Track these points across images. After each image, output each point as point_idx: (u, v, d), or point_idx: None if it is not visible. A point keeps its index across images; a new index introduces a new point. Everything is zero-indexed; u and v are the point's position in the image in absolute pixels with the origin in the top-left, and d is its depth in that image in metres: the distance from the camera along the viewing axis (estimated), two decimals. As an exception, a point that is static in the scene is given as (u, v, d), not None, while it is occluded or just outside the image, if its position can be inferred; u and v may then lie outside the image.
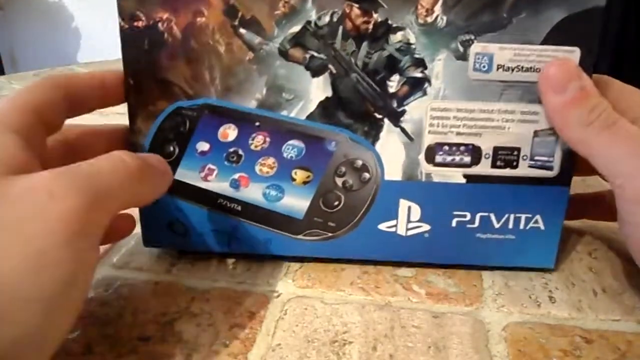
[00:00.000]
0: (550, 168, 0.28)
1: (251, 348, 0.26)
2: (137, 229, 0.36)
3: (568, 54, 0.26)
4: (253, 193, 0.30)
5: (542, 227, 0.30)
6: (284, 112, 0.29)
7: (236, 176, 0.30)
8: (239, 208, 0.30)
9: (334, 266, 0.32)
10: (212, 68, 0.28)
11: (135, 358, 0.25)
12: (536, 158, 0.28)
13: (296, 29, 0.27)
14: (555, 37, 0.26)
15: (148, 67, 0.28)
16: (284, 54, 0.28)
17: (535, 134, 0.28)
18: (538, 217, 0.30)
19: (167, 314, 0.28)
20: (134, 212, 0.30)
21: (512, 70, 0.27)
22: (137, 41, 0.28)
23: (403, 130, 0.28)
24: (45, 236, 0.19)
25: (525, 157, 0.28)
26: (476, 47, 0.27)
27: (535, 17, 0.26)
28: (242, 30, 0.28)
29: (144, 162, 0.24)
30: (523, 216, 0.30)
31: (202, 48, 0.28)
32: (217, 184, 0.30)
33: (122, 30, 0.28)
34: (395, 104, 0.28)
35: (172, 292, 0.30)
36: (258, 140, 0.30)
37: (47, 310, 0.19)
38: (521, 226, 0.30)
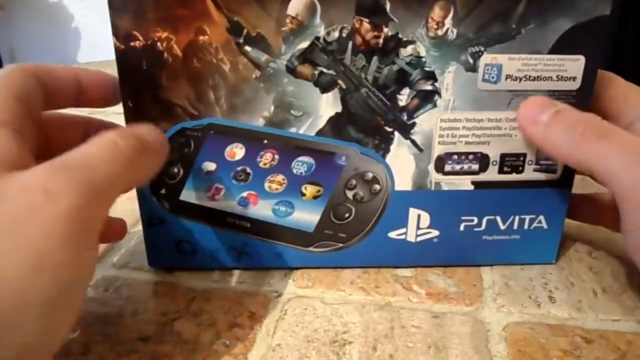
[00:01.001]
0: (554, 171, 0.29)
1: (251, 348, 0.26)
2: (138, 229, 0.36)
3: (573, 63, 0.27)
4: (262, 210, 0.30)
5: (545, 226, 0.30)
6: (293, 129, 0.29)
7: (245, 194, 0.30)
8: (248, 225, 0.30)
9: (339, 267, 0.32)
10: (216, 87, 0.27)
11: (135, 358, 0.25)
12: (541, 162, 0.29)
13: (304, 45, 0.27)
14: (562, 46, 0.26)
15: (148, 88, 0.27)
16: (292, 70, 0.27)
17: None
18: (541, 217, 0.30)
19: (167, 314, 0.28)
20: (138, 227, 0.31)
21: (520, 79, 0.27)
22: (134, 62, 0.26)
23: (413, 142, 0.28)
24: (44, 238, 0.18)
25: (530, 162, 0.29)
26: (486, 58, 0.27)
27: (543, 27, 0.26)
28: (247, 48, 0.27)
29: (138, 140, 0.22)
30: (527, 217, 0.30)
31: (206, 67, 0.27)
32: (225, 203, 0.30)
33: (118, 51, 0.26)
34: (405, 117, 0.28)
35: (172, 292, 0.30)
36: (266, 158, 0.29)
37: (50, 312, 0.18)
38: (525, 226, 0.30)
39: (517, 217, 0.30)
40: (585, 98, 0.27)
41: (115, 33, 0.26)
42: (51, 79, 0.25)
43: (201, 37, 0.26)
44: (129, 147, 0.21)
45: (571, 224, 0.34)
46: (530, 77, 0.27)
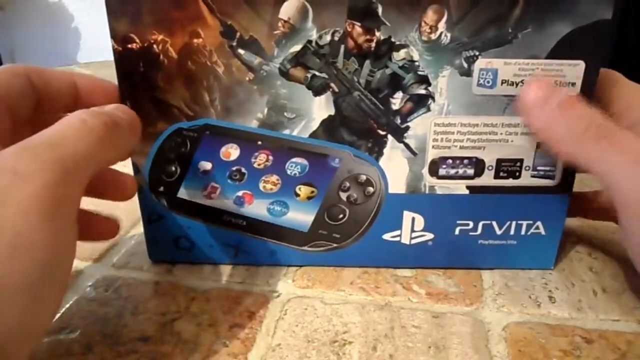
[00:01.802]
0: (552, 177, 0.29)
1: (251, 348, 0.26)
2: (138, 230, 0.36)
3: (573, 68, 0.26)
4: (257, 209, 0.30)
5: (543, 232, 0.30)
6: (286, 131, 0.29)
7: (240, 193, 0.30)
8: (244, 223, 0.30)
9: (334, 266, 0.32)
10: (211, 89, 0.28)
11: (135, 358, 0.25)
12: (538, 168, 0.28)
13: (297, 48, 0.27)
14: (561, 51, 0.26)
15: (145, 89, 0.28)
16: (284, 73, 0.27)
17: (538, 145, 0.28)
18: (539, 223, 0.30)
19: (167, 314, 0.28)
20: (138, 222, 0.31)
21: (517, 84, 0.27)
22: (132, 63, 0.27)
23: (407, 145, 0.28)
24: (18, 219, 0.17)
25: (527, 168, 0.28)
26: (480, 63, 0.26)
27: (540, 31, 0.26)
28: (240, 51, 0.27)
29: (109, 118, 0.22)
30: (524, 223, 0.30)
31: (200, 69, 0.27)
32: (221, 201, 0.30)
33: (116, 52, 0.27)
34: (398, 121, 0.28)
35: (172, 292, 0.30)
36: (261, 159, 0.30)
37: (33, 294, 0.18)
38: (522, 232, 0.30)
39: (513, 223, 0.30)
40: None
41: (113, 35, 0.27)
42: (44, 82, 0.25)
43: (195, 40, 0.27)
44: (98, 124, 0.21)
45: (571, 224, 0.34)
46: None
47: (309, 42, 0.27)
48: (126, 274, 0.32)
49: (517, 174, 0.29)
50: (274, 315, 0.28)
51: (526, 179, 0.29)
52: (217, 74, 0.28)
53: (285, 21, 0.26)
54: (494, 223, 0.30)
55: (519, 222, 0.30)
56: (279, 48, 0.27)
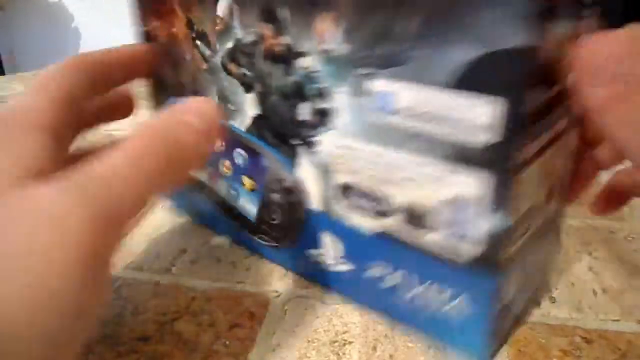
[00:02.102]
0: (469, 243, 0.22)
1: (251, 348, 0.26)
2: (138, 230, 0.36)
3: (487, 104, 0.19)
4: (222, 188, 0.32)
5: (465, 311, 0.23)
6: (232, 122, 0.29)
7: (209, 169, 0.32)
8: (214, 198, 0.33)
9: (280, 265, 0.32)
10: (185, 72, 0.31)
11: (135, 358, 0.25)
12: (451, 228, 0.22)
13: (230, 45, 0.27)
14: (470, 81, 0.19)
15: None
16: (225, 67, 0.28)
17: (451, 200, 0.21)
18: (460, 298, 0.23)
19: (167, 314, 0.28)
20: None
21: (418, 116, 0.21)
22: (147, 43, 0.32)
23: (316, 161, 0.26)
24: (46, 268, 0.15)
25: (437, 223, 0.22)
26: (376, 83, 0.22)
27: (440, 54, 0.19)
28: (198, 42, 0.29)
29: (171, 135, 0.19)
30: (440, 291, 0.24)
31: (178, 54, 0.30)
32: (199, 172, 0.33)
33: (139, 34, 0.32)
34: (306, 133, 0.26)
35: (172, 292, 0.30)
36: (217, 143, 0.31)
37: (52, 347, 0.16)
38: (438, 302, 0.24)
39: (428, 287, 0.24)
40: (501, 159, 0.19)
41: (137, 17, 0.32)
42: (103, 69, 0.24)
43: (173, 29, 0.30)
44: (160, 152, 0.19)
45: (571, 224, 0.34)
46: (429, 116, 0.21)
47: (238, 40, 0.27)
48: (126, 274, 0.32)
49: (427, 227, 0.23)
50: (274, 315, 0.28)
51: (437, 237, 0.23)
52: (187, 60, 0.30)
53: (221, 18, 0.27)
54: (405, 280, 0.25)
55: (434, 288, 0.24)
56: (219, 43, 0.28)
